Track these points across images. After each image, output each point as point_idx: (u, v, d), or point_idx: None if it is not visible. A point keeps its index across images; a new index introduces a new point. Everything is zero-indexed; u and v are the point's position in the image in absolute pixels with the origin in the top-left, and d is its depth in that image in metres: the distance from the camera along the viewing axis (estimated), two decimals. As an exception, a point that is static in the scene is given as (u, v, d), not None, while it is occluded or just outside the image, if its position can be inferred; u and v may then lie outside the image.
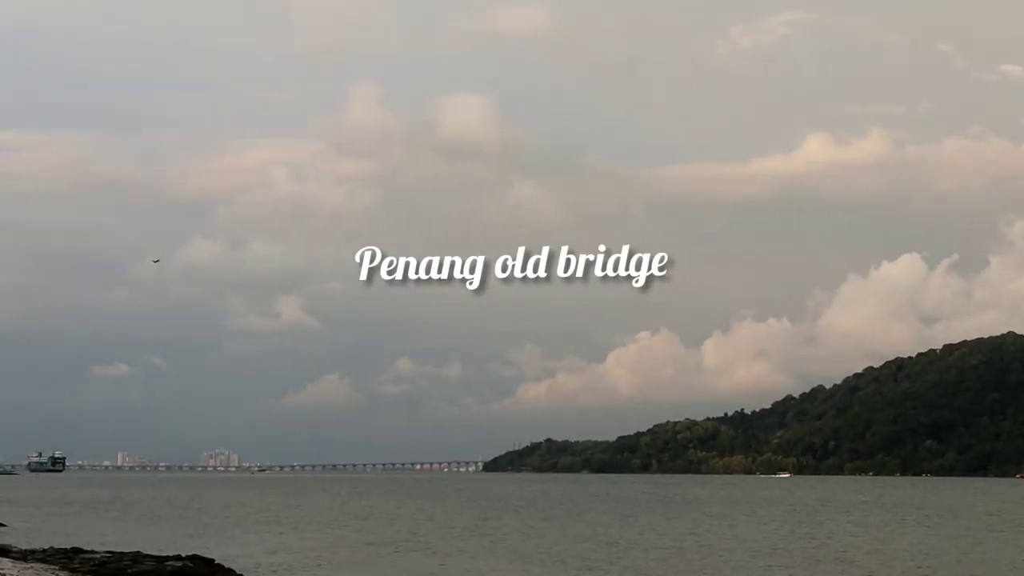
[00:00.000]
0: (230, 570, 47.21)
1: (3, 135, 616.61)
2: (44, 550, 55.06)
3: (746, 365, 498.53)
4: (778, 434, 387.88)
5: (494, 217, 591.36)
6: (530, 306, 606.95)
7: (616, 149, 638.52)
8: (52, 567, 45.71)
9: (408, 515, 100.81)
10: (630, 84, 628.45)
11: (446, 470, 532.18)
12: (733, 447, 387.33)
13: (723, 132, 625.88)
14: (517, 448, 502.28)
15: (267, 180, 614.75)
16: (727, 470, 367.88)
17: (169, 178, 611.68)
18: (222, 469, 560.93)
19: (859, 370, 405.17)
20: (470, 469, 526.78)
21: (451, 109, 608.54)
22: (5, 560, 46.09)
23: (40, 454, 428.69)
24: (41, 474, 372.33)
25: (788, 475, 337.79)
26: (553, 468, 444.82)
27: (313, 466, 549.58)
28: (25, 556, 50.68)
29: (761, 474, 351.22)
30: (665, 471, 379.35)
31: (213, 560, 50.72)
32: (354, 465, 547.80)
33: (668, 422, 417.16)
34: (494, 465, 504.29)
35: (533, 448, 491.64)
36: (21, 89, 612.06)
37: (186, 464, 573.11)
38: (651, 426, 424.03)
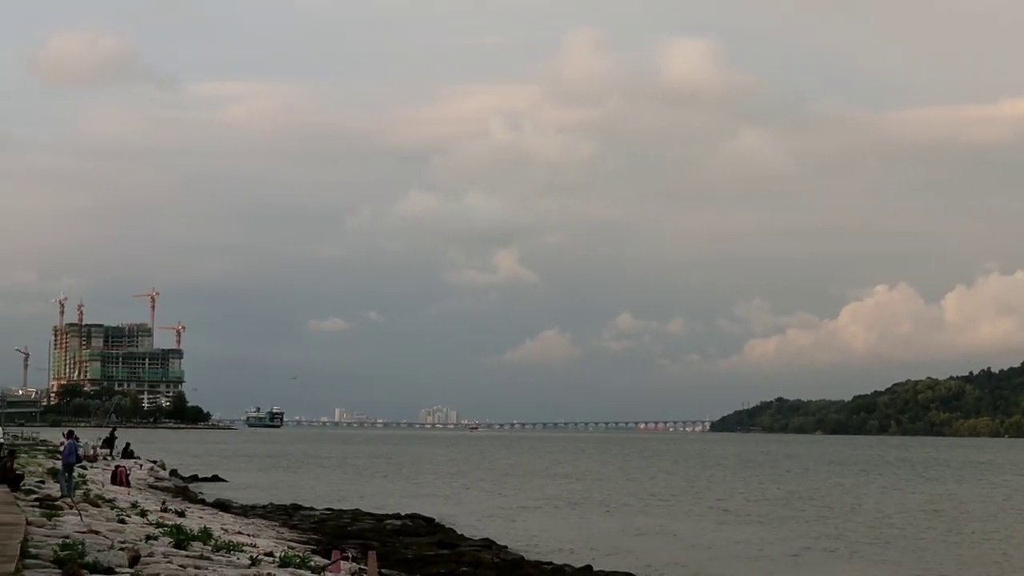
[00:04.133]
0: (450, 529, 44.73)
1: (219, 86, 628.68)
2: (264, 506, 54.22)
3: (991, 321, 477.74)
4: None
5: (718, 166, 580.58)
6: (758, 259, 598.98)
7: (846, 93, 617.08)
8: (273, 523, 44.29)
9: (633, 476, 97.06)
10: (860, 23, 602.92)
11: (671, 430, 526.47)
12: (979, 408, 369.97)
13: (964, 72, 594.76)
14: (746, 407, 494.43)
15: (484, 129, 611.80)
16: (972, 432, 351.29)
17: (385, 127, 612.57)
18: (440, 426, 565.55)
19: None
20: (696, 429, 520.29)
21: (672, 54, 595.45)
22: (227, 516, 44.77)
23: (258, 409, 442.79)
24: (259, 429, 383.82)
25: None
26: (784, 429, 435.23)
27: (533, 424, 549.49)
28: (246, 512, 49.57)
29: (1010, 437, 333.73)
30: (905, 433, 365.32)
31: (433, 519, 48.63)
32: (575, 423, 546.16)
33: (908, 381, 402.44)
34: (721, 425, 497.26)
35: (763, 407, 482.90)
36: (236, 40, 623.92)
37: (404, 421, 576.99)
38: (889, 385, 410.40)
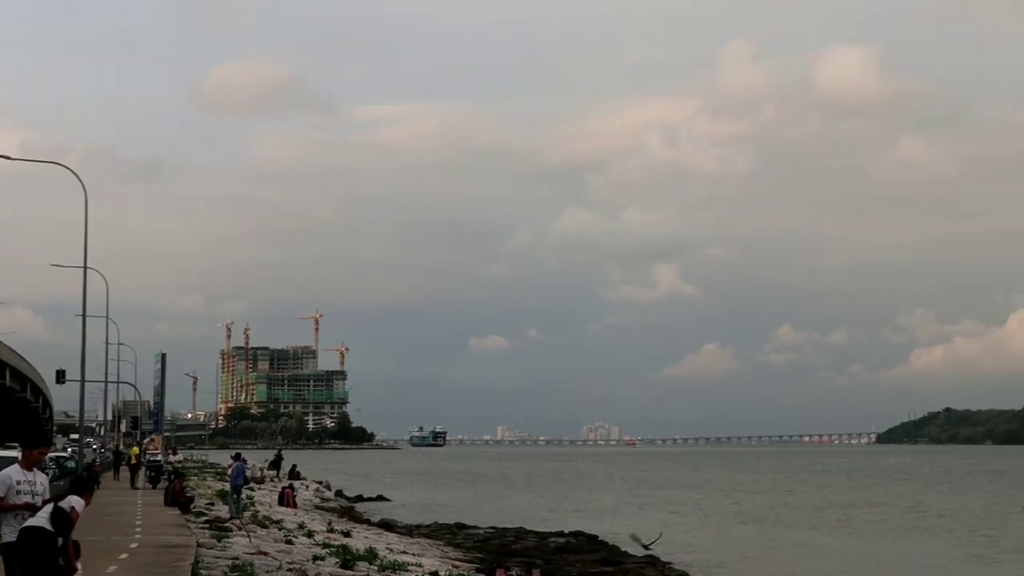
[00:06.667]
0: (614, 547, 44.24)
1: (380, 109, 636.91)
2: (428, 525, 54.45)
3: None
4: None
5: (879, 174, 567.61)
6: (921, 267, 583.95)
7: (1010, 96, 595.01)
8: (437, 542, 44.43)
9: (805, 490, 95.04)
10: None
11: (836, 442, 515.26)
12: None
13: None
14: (912, 419, 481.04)
15: (641, 144, 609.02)
16: None
17: (544, 145, 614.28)
18: (602, 443, 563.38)
19: None
20: (862, 441, 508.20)
21: (828, 62, 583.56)
22: (392, 535, 45.08)
23: (421, 429, 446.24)
24: (423, 448, 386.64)
25: None
26: (953, 439, 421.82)
27: (696, 439, 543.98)
28: (410, 531, 49.88)
29: None
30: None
31: (596, 536, 48.18)
32: (737, 438, 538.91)
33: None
34: (888, 437, 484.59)
35: (930, 418, 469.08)
36: (396, 63, 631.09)
37: (565, 438, 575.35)
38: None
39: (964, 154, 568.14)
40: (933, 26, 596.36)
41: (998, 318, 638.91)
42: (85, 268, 51.55)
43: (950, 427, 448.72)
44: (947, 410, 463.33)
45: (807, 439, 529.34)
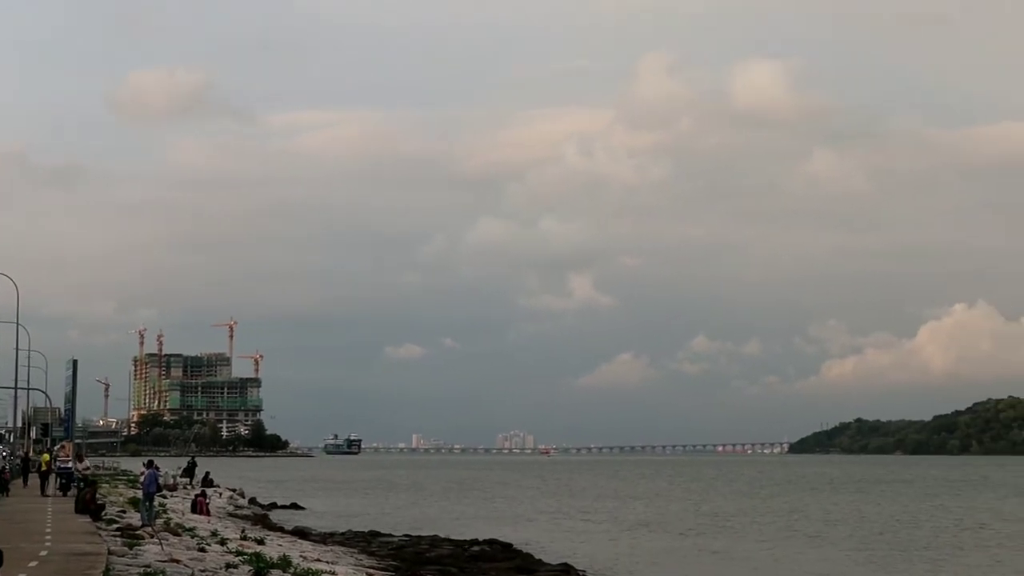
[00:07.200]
0: (528, 555, 44.54)
1: (296, 115, 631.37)
2: (343, 533, 54.49)
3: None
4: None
5: (792, 187, 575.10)
6: (834, 279, 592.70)
7: (925, 111, 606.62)
8: (351, 550, 44.46)
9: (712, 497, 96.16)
10: (935, 40, 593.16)
11: (749, 452, 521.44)
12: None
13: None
14: (825, 429, 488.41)
15: (558, 154, 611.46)
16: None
17: (461, 154, 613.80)
18: (517, 451, 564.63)
19: None
20: (774, 451, 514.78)
21: (744, 76, 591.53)
22: (306, 543, 44.99)
23: (336, 436, 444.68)
24: (337, 456, 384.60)
25: None
26: (863, 450, 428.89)
27: (610, 448, 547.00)
28: (324, 539, 49.83)
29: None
30: (987, 452, 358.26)
31: (511, 544, 48.45)
32: (652, 447, 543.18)
33: (989, 400, 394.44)
34: (800, 446, 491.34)
35: (842, 429, 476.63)
36: (312, 70, 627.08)
37: (480, 446, 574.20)
38: (970, 404, 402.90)
39: (876, 168, 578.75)
40: (846, 42, 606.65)
41: (908, 330, 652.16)
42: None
43: (861, 437, 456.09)
44: (858, 421, 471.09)
45: (721, 448, 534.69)
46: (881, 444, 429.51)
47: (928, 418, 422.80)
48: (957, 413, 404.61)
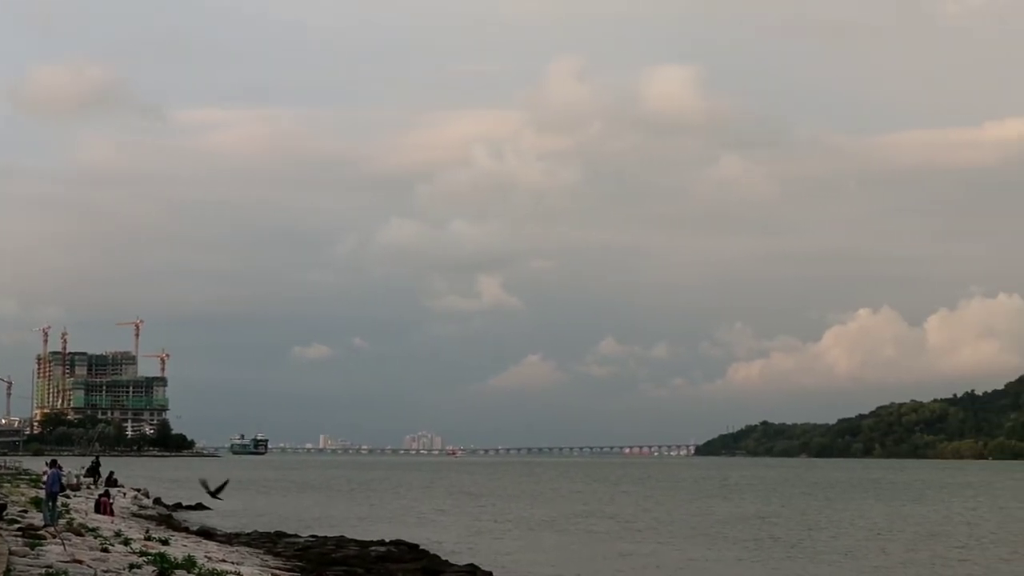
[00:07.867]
0: (435, 556, 44.75)
1: (205, 113, 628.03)
2: (248, 534, 54.20)
3: (974, 344, 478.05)
4: (1012, 416, 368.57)
5: (700, 191, 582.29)
6: (740, 283, 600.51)
7: (829, 118, 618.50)
8: (257, 551, 44.28)
9: (618, 500, 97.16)
10: (842, 48, 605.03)
11: (656, 454, 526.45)
12: (963, 431, 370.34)
13: (947, 96, 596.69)
14: (731, 431, 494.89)
15: (467, 156, 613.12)
16: (956, 455, 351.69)
17: (371, 154, 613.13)
18: (425, 452, 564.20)
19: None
20: (681, 453, 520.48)
21: (653, 81, 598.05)
22: (211, 543, 44.72)
23: (243, 436, 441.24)
24: (244, 456, 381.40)
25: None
26: (769, 452, 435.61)
27: (518, 449, 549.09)
28: (230, 539, 49.57)
29: (993, 459, 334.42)
30: (889, 455, 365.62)
31: (417, 545, 48.60)
32: (560, 448, 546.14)
33: (892, 404, 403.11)
34: (707, 449, 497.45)
35: (748, 431, 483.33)
36: (223, 68, 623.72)
37: (388, 447, 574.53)
38: (873, 408, 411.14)
39: (782, 174, 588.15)
40: (753, 50, 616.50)
41: (813, 334, 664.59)
42: None
43: (767, 440, 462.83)
44: (764, 423, 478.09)
45: (628, 450, 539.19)
46: (786, 447, 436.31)
47: (833, 421, 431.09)
48: (861, 417, 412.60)
